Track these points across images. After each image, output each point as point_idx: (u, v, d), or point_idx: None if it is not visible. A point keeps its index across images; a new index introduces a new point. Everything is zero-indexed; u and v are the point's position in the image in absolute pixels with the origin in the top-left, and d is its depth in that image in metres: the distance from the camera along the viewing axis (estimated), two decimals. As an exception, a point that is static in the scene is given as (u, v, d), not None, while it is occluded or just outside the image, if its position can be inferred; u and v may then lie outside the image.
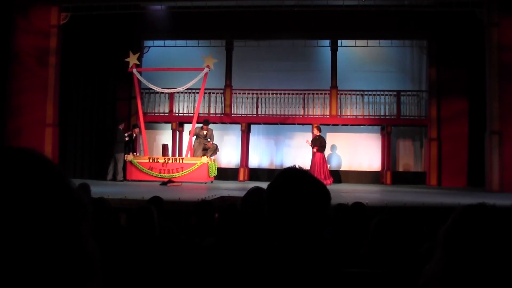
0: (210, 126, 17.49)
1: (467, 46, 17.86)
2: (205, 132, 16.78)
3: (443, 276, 1.43)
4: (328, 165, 17.29)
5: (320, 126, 17.52)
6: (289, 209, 1.74)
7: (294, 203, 1.74)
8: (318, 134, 16.57)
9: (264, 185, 4.22)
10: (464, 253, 1.40)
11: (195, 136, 16.87)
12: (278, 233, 1.76)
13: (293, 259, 1.72)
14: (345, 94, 19.04)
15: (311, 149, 16.71)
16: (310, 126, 18.68)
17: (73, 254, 0.79)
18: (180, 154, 18.17)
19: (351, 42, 19.14)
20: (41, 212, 0.78)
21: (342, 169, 19.67)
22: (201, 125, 17.06)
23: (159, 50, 19.66)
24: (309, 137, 18.55)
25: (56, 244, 0.78)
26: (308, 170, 1.97)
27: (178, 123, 19.11)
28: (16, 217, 0.75)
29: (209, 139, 16.81)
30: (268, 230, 1.81)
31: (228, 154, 19.95)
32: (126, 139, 17.30)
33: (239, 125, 19.08)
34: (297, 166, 1.89)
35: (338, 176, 19.00)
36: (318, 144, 16.40)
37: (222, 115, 19.20)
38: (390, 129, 18.60)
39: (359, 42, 19.03)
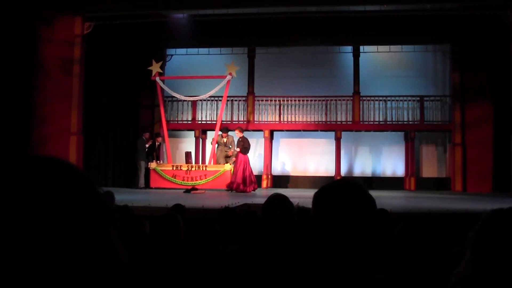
0: (231, 133, 17.51)
1: (491, 49, 17.67)
2: (225, 139, 16.74)
3: (472, 278, 1.43)
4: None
5: (343, 132, 17.45)
6: (335, 218, 1.76)
7: (341, 213, 1.76)
8: (241, 135, 15.92)
9: (286, 192, 4.22)
10: (493, 255, 1.40)
11: (217, 144, 16.90)
12: (322, 240, 1.78)
13: (325, 267, 1.72)
14: (368, 100, 18.96)
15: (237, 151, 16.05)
16: (333, 132, 18.64)
17: (104, 256, 0.82)
18: (204, 161, 18.23)
19: (373, 48, 19.07)
20: (73, 217, 0.81)
21: (365, 175, 19.58)
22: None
23: (182, 58, 19.77)
24: (332, 143, 18.56)
25: (88, 247, 0.81)
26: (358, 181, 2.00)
27: (201, 130, 19.18)
28: (51, 223, 0.79)
29: (230, 146, 16.78)
30: (312, 236, 1.83)
31: (251, 161, 19.95)
32: (147, 145, 17.43)
33: (262, 132, 19.09)
34: (349, 178, 1.94)
35: (362, 182, 18.90)
36: (241, 145, 15.74)
37: (245, 122, 19.22)
38: (413, 135, 18.47)
39: (381, 48, 18.95)
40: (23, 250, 0.76)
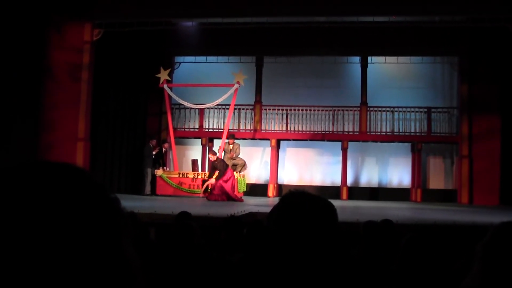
0: (239, 141, 17.51)
1: (499, 62, 17.63)
2: (231, 146, 16.77)
3: None
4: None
5: (349, 142, 17.48)
6: (296, 230, 1.73)
7: (300, 224, 1.73)
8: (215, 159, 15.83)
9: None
10: (502, 268, 1.40)
11: (224, 152, 16.90)
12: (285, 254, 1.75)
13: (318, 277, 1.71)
14: (375, 110, 18.94)
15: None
16: (340, 142, 18.62)
17: (116, 261, 0.82)
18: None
19: (381, 59, 19.06)
20: (86, 222, 0.81)
21: (371, 186, 19.54)
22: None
23: (190, 66, 19.81)
24: (339, 153, 18.53)
25: (100, 252, 0.81)
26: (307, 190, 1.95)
27: (208, 138, 19.19)
28: (63, 229, 0.79)
29: (234, 153, 16.69)
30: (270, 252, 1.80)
31: (257, 170, 19.96)
32: (154, 152, 17.42)
33: (269, 141, 19.09)
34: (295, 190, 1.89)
35: (368, 193, 18.88)
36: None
37: (252, 131, 19.23)
38: (420, 146, 18.43)
39: (389, 59, 18.94)
40: (36, 255, 0.77)
